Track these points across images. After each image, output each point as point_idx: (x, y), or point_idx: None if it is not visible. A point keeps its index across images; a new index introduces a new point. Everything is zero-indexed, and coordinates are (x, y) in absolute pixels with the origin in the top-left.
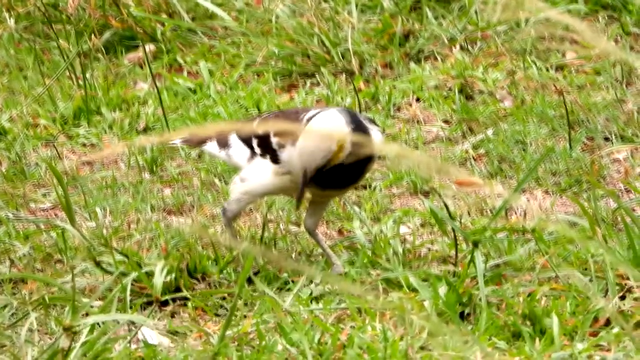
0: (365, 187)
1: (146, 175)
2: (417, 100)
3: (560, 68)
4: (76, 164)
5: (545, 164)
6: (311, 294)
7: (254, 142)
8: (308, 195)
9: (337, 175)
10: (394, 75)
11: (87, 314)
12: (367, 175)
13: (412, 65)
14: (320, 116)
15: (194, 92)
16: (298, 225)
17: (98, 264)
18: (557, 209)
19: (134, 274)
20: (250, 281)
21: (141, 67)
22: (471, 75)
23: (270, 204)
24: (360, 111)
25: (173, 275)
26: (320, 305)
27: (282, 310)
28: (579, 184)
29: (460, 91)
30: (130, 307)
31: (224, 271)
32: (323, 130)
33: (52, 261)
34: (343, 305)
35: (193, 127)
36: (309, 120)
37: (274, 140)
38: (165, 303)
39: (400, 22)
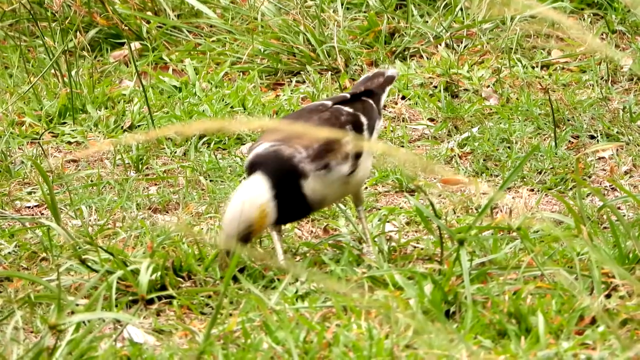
0: None
1: (132, 173)
2: (403, 98)
3: (545, 66)
4: (62, 162)
5: (530, 162)
6: (297, 292)
7: None
8: None
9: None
10: None
11: (72, 312)
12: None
13: (398, 63)
14: (243, 186)
15: (180, 90)
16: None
17: (83, 262)
18: (543, 207)
19: (119, 272)
20: (235, 279)
21: (127, 65)
22: (457, 74)
23: None
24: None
25: (159, 273)
26: (306, 303)
27: (268, 308)
28: (564, 182)
29: (446, 89)
30: (116, 306)
31: (209, 269)
32: (244, 200)
33: (38, 259)
34: (329, 303)
35: (178, 126)
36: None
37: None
38: (150, 301)
39: (385, 20)
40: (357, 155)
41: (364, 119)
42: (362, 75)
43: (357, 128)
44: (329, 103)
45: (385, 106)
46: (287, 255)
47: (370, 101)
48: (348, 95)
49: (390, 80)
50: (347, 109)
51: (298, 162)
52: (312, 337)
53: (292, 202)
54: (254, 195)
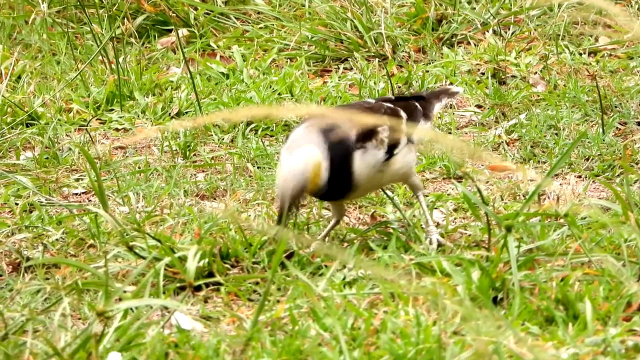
0: None
1: (179, 160)
2: (450, 84)
3: (593, 53)
4: (109, 149)
5: (578, 148)
6: (344, 278)
7: None
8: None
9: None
10: (426, 60)
11: (120, 299)
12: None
13: (445, 49)
14: (297, 152)
15: (227, 76)
16: (330, 210)
17: (131, 249)
18: (590, 194)
19: (166, 259)
20: (283, 266)
21: (174, 51)
22: (504, 60)
23: None
24: (393, 94)
25: (206, 260)
26: (354, 290)
27: (315, 295)
28: (611, 168)
29: (493, 76)
30: (163, 292)
31: (256, 255)
32: (299, 159)
33: (85, 246)
34: (376, 290)
35: (226, 112)
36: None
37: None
38: (198, 288)
39: (433, 7)
40: (393, 146)
41: (403, 114)
42: (409, 62)
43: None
44: (372, 101)
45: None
46: (334, 241)
47: (416, 103)
48: (392, 97)
49: (450, 93)
50: (389, 104)
51: (346, 133)
52: (359, 324)
53: (340, 171)
54: (310, 153)
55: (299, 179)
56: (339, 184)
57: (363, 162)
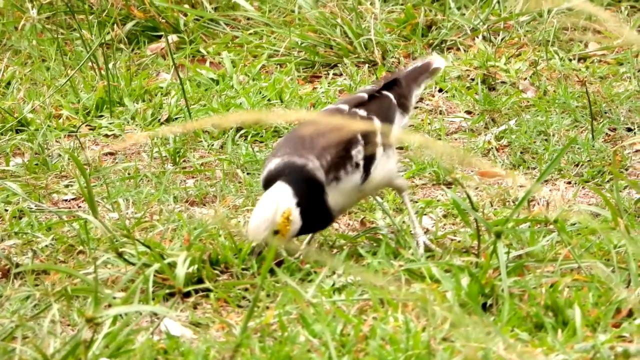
0: None
1: (169, 166)
2: (440, 91)
3: (582, 59)
4: (99, 155)
5: (567, 154)
6: (333, 285)
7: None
8: None
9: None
10: None
11: (109, 306)
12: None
13: (435, 55)
14: (267, 193)
15: (217, 82)
16: None
17: (120, 255)
18: (580, 200)
19: (156, 265)
20: (272, 272)
21: (164, 57)
22: (494, 66)
23: None
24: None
25: (195, 266)
26: (343, 296)
27: (305, 301)
28: (601, 174)
29: (483, 82)
30: (153, 299)
31: (246, 261)
32: (268, 205)
33: (75, 252)
34: (365, 296)
35: (215, 118)
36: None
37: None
38: (187, 294)
39: (422, 13)
40: (369, 161)
41: (377, 122)
42: (398, 68)
43: (367, 137)
44: (346, 108)
45: (422, 98)
46: (323, 248)
47: (390, 96)
48: (366, 96)
49: (432, 71)
50: (362, 112)
51: (315, 171)
52: (349, 330)
53: (315, 211)
54: (278, 201)
55: (268, 233)
56: (315, 222)
57: (338, 192)
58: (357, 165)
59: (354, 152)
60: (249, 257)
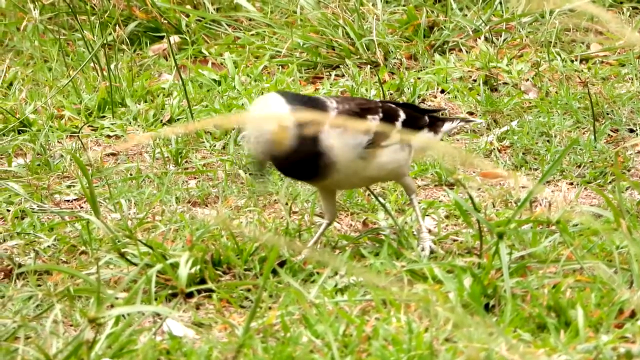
0: None
1: (171, 167)
2: (442, 92)
3: (584, 60)
4: (101, 155)
5: (569, 155)
6: (336, 285)
7: None
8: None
9: (293, 162)
10: (418, 67)
11: (112, 306)
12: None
13: (437, 56)
14: (258, 101)
15: (219, 83)
16: (322, 216)
17: (123, 256)
18: (582, 201)
19: (158, 266)
20: (275, 273)
21: (166, 58)
22: (496, 67)
23: (295, 196)
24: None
25: (198, 266)
26: (345, 297)
27: (307, 302)
28: (603, 175)
29: (485, 83)
30: (155, 299)
31: (248, 261)
32: (261, 115)
33: (77, 253)
34: (368, 297)
35: (217, 119)
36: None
37: None
38: (190, 295)
39: (424, 14)
40: (381, 137)
41: (401, 113)
42: (400, 69)
43: (390, 117)
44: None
45: (424, 99)
46: (326, 248)
47: (425, 117)
48: (409, 104)
49: (467, 120)
50: (391, 104)
51: (325, 99)
52: (351, 331)
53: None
54: (272, 108)
55: (263, 143)
56: (306, 150)
57: (341, 142)
58: (367, 131)
59: (369, 117)
60: (254, 177)
